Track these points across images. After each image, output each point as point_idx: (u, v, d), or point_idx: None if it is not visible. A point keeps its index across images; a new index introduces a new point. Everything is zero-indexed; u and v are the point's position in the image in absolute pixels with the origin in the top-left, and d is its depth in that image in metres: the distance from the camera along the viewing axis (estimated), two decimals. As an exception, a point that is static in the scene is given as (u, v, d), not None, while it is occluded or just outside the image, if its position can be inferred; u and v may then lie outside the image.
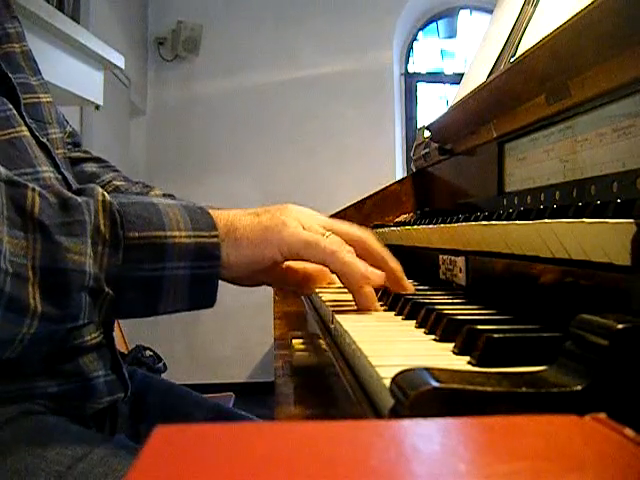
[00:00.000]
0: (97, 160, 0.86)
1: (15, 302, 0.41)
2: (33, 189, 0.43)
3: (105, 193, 0.48)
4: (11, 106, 0.61)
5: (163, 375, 2.28)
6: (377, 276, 0.56)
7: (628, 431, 0.20)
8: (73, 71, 1.61)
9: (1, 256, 0.40)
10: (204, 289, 0.50)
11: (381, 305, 0.62)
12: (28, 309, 0.42)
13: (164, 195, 0.83)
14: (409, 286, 0.60)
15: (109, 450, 0.53)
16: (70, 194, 0.46)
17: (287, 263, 0.59)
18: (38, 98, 0.69)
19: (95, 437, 0.56)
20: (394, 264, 0.59)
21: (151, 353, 2.34)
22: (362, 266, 0.55)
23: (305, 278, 0.62)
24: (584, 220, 0.39)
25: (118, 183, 0.83)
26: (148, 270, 0.47)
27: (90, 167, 0.83)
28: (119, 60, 1.84)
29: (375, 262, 0.57)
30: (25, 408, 0.55)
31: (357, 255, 0.56)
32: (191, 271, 0.49)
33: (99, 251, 0.45)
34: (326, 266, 0.55)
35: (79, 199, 0.46)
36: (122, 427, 0.68)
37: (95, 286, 0.45)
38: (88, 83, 1.72)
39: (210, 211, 0.52)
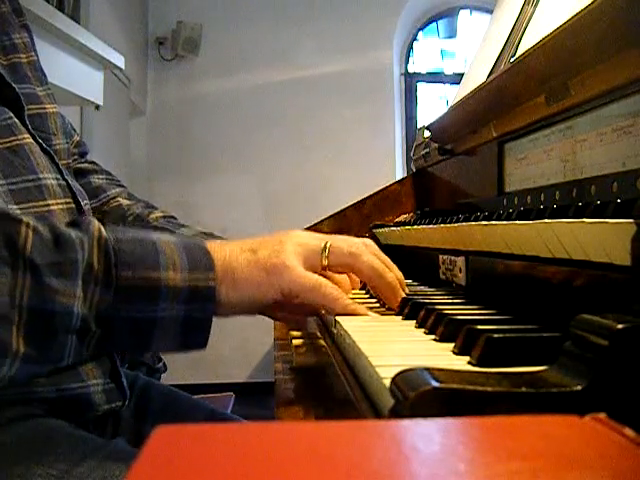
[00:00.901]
0: (105, 174, 0.85)
1: None
2: (27, 224, 0.42)
3: (102, 228, 0.47)
4: (12, 114, 0.61)
5: (163, 375, 2.28)
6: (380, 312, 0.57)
7: (628, 431, 0.20)
8: (73, 71, 1.61)
9: None
10: (197, 332, 0.49)
11: (381, 306, 0.62)
12: (10, 350, 0.41)
13: (165, 217, 0.82)
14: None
15: (107, 454, 0.52)
16: (64, 228, 0.45)
17: None
18: (44, 109, 0.69)
19: (93, 441, 0.55)
20: (391, 277, 0.57)
21: (151, 353, 2.34)
22: (362, 311, 0.55)
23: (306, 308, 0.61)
24: (584, 220, 0.39)
25: (122, 201, 0.82)
26: (140, 311, 0.46)
27: (97, 180, 0.83)
28: (119, 60, 1.84)
29: (370, 281, 0.58)
30: (23, 411, 0.54)
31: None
32: (184, 313, 0.48)
33: (90, 290, 0.44)
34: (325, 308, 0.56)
35: (73, 235, 0.44)
36: (124, 430, 0.68)
37: (83, 326, 0.44)
38: (88, 83, 1.72)
39: (209, 247, 0.51)
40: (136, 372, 0.82)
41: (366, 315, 0.55)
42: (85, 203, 0.66)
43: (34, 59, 0.71)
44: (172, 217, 0.83)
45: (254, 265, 0.51)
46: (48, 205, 0.59)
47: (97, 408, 0.61)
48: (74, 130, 0.86)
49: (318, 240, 0.55)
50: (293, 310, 0.61)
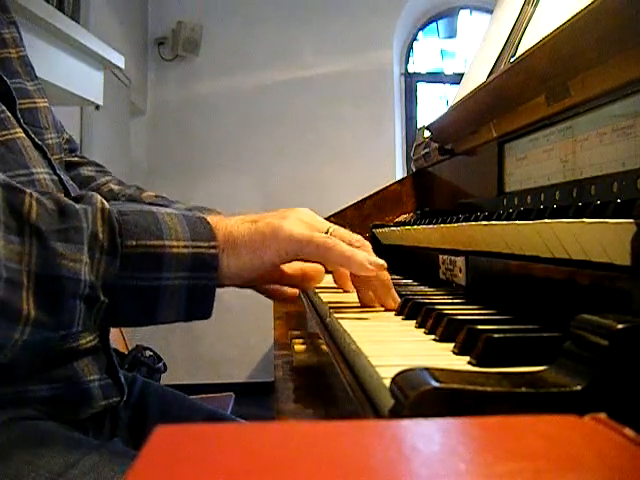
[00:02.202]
0: (93, 164, 0.86)
1: (8, 308, 0.40)
2: (31, 194, 0.43)
3: (104, 201, 0.47)
4: (4, 108, 0.61)
5: (163, 375, 2.28)
6: (379, 265, 0.54)
7: (628, 431, 0.20)
8: (73, 71, 1.61)
9: None
10: (201, 300, 0.50)
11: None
12: (21, 315, 0.41)
13: (156, 196, 0.83)
14: (397, 299, 0.59)
15: (102, 457, 0.52)
16: (68, 200, 0.45)
17: (283, 265, 0.58)
18: (35, 103, 0.69)
19: (88, 443, 0.55)
20: (386, 276, 0.57)
21: (151, 353, 2.34)
22: (362, 256, 0.54)
23: (304, 277, 0.61)
24: (584, 220, 0.39)
25: (113, 186, 0.83)
26: (145, 279, 0.47)
27: (86, 171, 0.84)
28: (119, 60, 1.84)
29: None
30: (17, 413, 0.54)
31: None
32: (188, 282, 0.48)
33: (96, 259, 0.45)
34: (325, 262, 0.55)
35: (77, 206, 0.45)
36: (122, 431, 0.68)
37: (90, 294, 0.44)
38: (88, 83, 1.72)
39: (210, 219, 0.51)
40: (134, 373, 0.82)
41: (361, 261, 0.53)
42: None
43: (23, 54, 0.71)
44: (163, 197, 0.83)
45: (254, 231, 0.52)
46: None
47: (94, 404, 0.60)
48: (62, 127, 0.87)
49: (322, 223, 0.57)
50: (288, 282, 0.61)
